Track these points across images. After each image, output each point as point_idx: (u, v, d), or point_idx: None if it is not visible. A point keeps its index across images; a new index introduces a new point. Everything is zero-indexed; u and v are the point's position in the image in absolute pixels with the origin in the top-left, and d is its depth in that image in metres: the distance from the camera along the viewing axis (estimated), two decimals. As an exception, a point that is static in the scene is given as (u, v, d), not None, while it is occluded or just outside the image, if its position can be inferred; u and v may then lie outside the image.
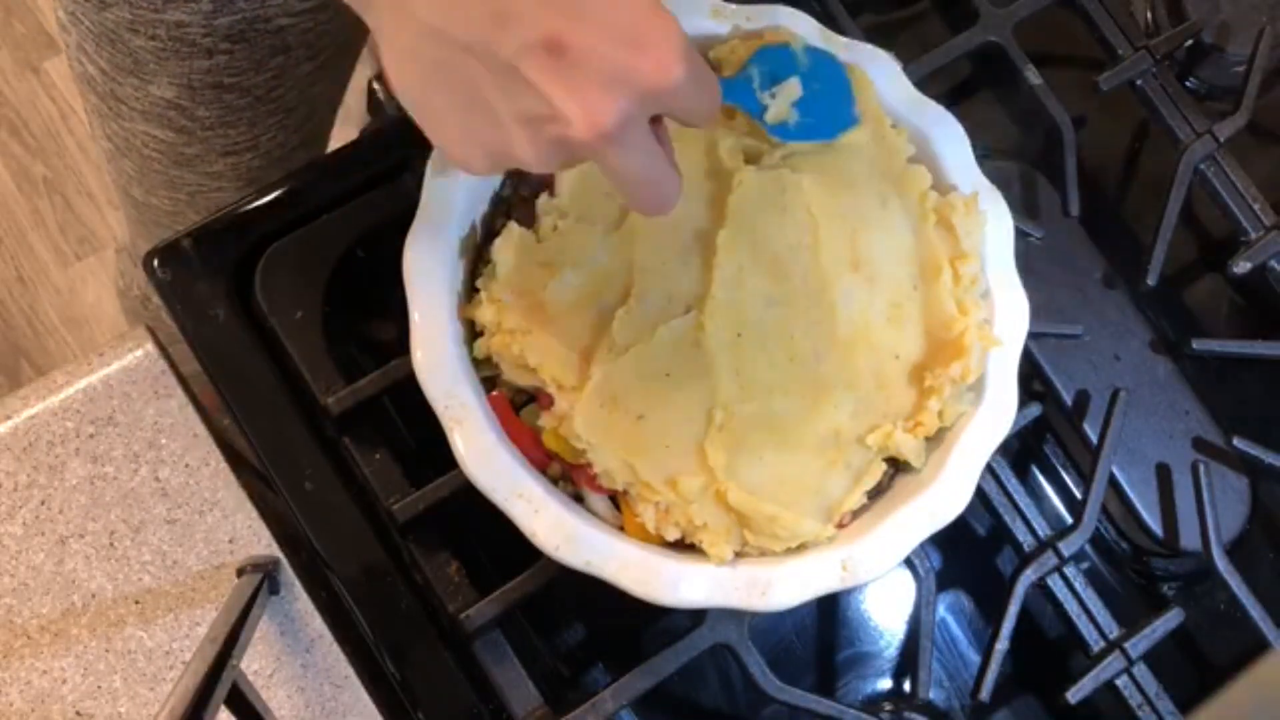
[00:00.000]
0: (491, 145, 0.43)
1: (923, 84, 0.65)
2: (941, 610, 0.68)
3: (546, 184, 0.59)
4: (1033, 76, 0.72)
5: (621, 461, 0.56)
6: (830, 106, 0.60)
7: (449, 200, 0.58)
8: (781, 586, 0.56)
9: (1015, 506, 0.65)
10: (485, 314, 0.57)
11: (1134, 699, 0.63)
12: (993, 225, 0.63)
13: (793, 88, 0.58)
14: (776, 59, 0.59)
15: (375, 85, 0.70)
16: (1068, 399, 0.69)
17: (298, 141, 0.85)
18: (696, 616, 0.60)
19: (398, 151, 0.65)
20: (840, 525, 0.59)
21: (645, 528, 0.56)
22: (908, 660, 0.67)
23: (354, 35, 0.84)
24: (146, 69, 0.74)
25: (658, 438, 0.56)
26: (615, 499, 0.58)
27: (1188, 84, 0.78)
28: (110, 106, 0.79)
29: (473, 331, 0.58)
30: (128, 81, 0.76)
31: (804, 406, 0.58)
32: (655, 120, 0.46)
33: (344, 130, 0.94)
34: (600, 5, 0.40)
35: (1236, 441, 0.68)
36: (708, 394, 0.57)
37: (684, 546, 0.57)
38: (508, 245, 0.57)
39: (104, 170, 1.58)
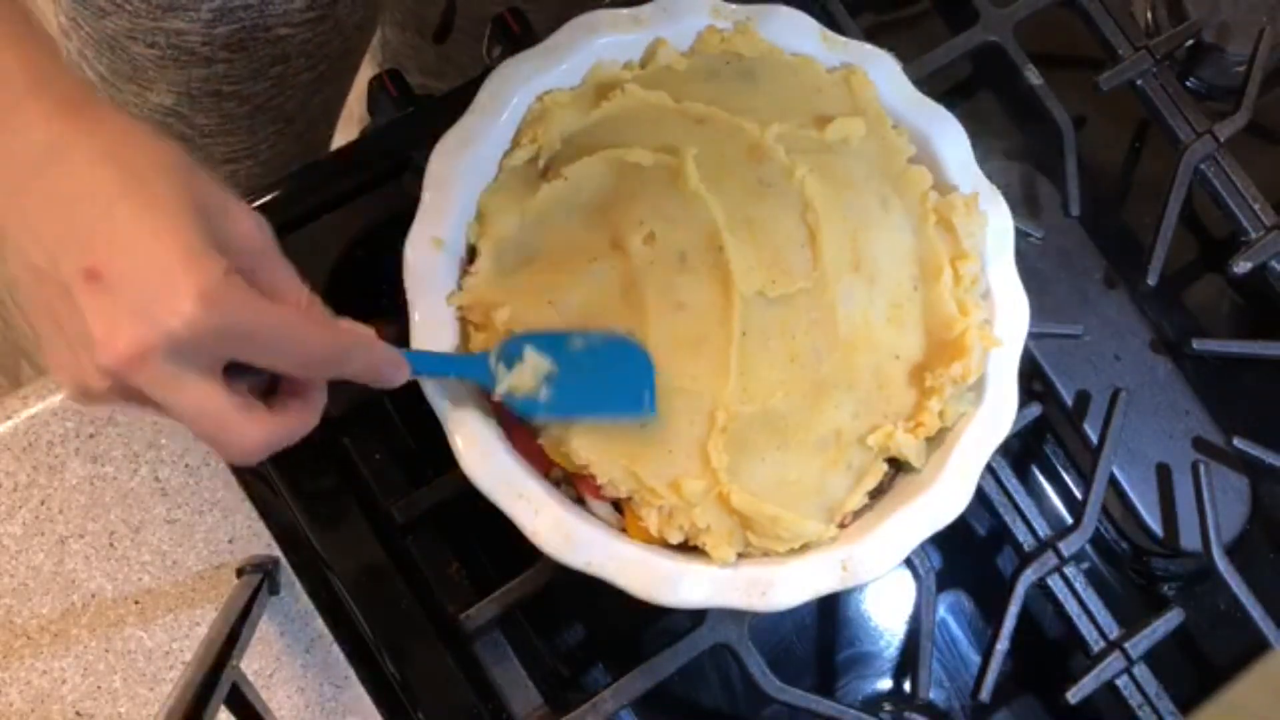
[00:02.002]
0: (72, 370, 0.44)
1: (923, 84, 0.65)
2: (941, 610, 0.68)
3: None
4: (1033, 76, 0.72)
5: (624, 470, 0.56)
6: (613, 385, 0.55)
7: (449, 200, 0.58)
8: (782, 587, 0.56)
9: (1015, 506, 0.65)
10: (469, 299, 0.57)
11: (1134, 699, 0.63)
12: (993, 225, 0.63)
13: (539, 363, 0.54)
14: (538, 341, 0.55)
15: (375, 85, 0.70)
16: (1068, 399, 0.69)
17: (297, 150, 0.85)
18: (696, 616, 0.60)
19: (398, 151, 0.65)
20: (842, 525, 0.59)
21: (648, 530, 0.56)
22: (908, 660, 0.67)
23: (354, 48, 0.84)
24: (146, 76, 0.74)
25: (660, 442, 0.56)
26: (618, 503, 0.58)
27: (1188, 84, 0.78)
28: None
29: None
30: (127, 88, 0.76)
31: (805, 407, 0.58)
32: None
33: (344, 130, 0.94)
34: (144, 244, 0.42)
35: (1236, 441, 0.68)
36: (710, 395, 0.57)
37: (685, 547, 0.57)
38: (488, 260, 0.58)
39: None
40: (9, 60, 0.43)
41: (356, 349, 0.48)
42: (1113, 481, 0.67)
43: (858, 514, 0.59)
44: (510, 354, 0.54)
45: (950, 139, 0.64)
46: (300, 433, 0.48)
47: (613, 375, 0.56)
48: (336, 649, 0.62)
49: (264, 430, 0.46)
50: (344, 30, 0.79)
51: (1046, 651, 0.69)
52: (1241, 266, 0.71)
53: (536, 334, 0.55)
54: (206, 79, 0.74)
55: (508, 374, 0.54)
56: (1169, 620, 0.64)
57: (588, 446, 0.55)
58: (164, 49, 0.71)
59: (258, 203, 0.65)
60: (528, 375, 0.54)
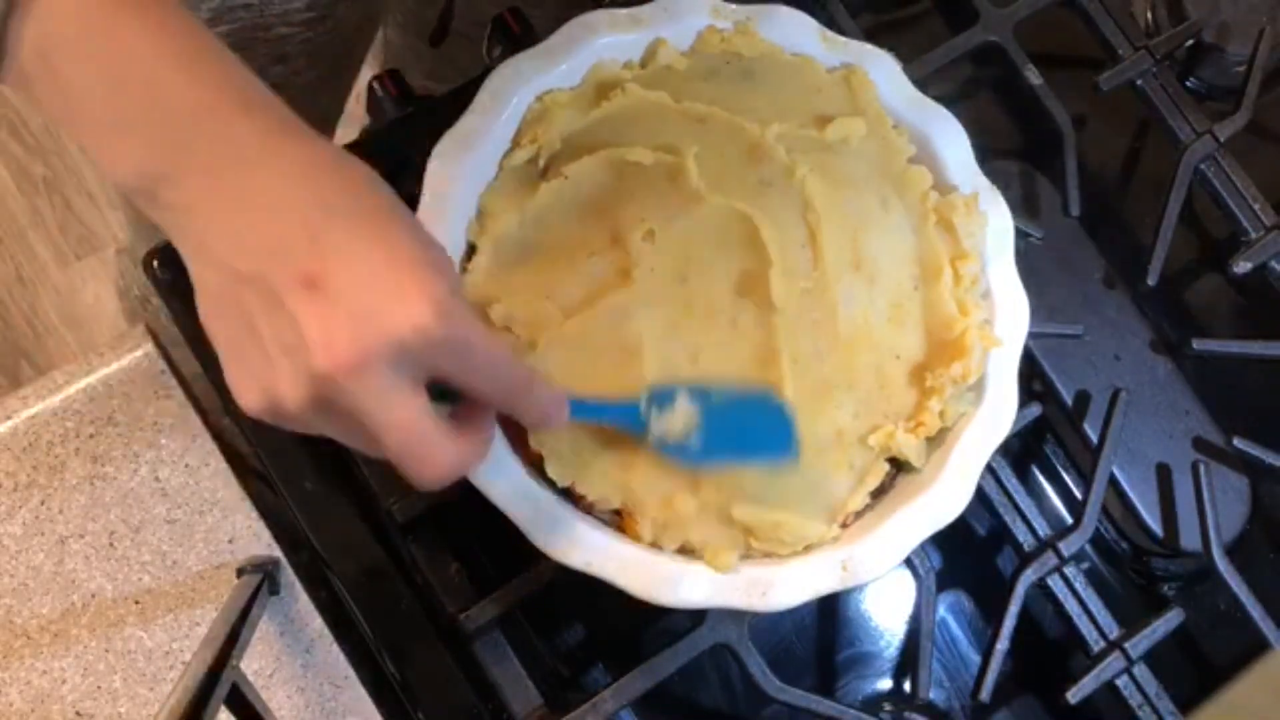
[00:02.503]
0: (262, 381, 0.44)
1: (923, 84, 0.65)
2: (941, 610, 0.68)
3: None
4: (1033, 76, 0.72)
5: (614, 484, 0.56)
6: (754, 432, 0.56)
7: (449, 199, 0.58)
8: (782, 587, 0.56)
9: (1015, 506, 0.65)
10: (465, 294, 0.57)
11: (1134, 699, 0.63)
12: (993, 225, 0.63)
13: (686, 411, 0.55)
14: (684, 391, 0.55)
15: (375, 86, 0.69)
16: (1068, 399, 0.69)
17: None
18: (696, 616, 0.60)
19: (398, 151, 0.65)
20: (843, 525, 0.59)
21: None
22: (908, 660, 0.67)
23: (354, 49, 0.84)
24: None
25: (653, 457, 0.56)
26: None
27: (1188, 84, 0.78)
28: None
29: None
30: None
31: (806, 407, 0.58)
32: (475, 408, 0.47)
33: (344, 130, 0.94)
34: (368, 253, 0.42)
35: (1236, 441, 0.68)
36: None
37: (685, 548, 0.57)
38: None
39: (104, 171, 1.58)
40: (216, 73, 0.43)
41: (537, 384, 0.48)
42: (1113, 481, 0.67)
43: (858, 514, 0.59)
44: (662, 400, 0.55)
45: (950, 139, 0.64)
46: (477, 462, 0.48)
47: (756, 422, 0.57)
48: (336, 649, 0.62)
49: (459, 454, 0.45)
50: (344, 31, 0.79)
51: (1046, 651, 0.69)
52: (1241, 266, 0.71)
53: (679, 387, 0.56)
54: None
55: (659, 419, 0.54)
56: (1169, 620, 0.64)
57: (570, 467, 0.55)
58: None
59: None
60: (679, 422, 0.55)
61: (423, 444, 0.44)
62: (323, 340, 0.41)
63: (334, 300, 0.41)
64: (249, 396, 0.44)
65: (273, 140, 0.43)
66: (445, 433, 0.44)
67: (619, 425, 0.55)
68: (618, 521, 0.57)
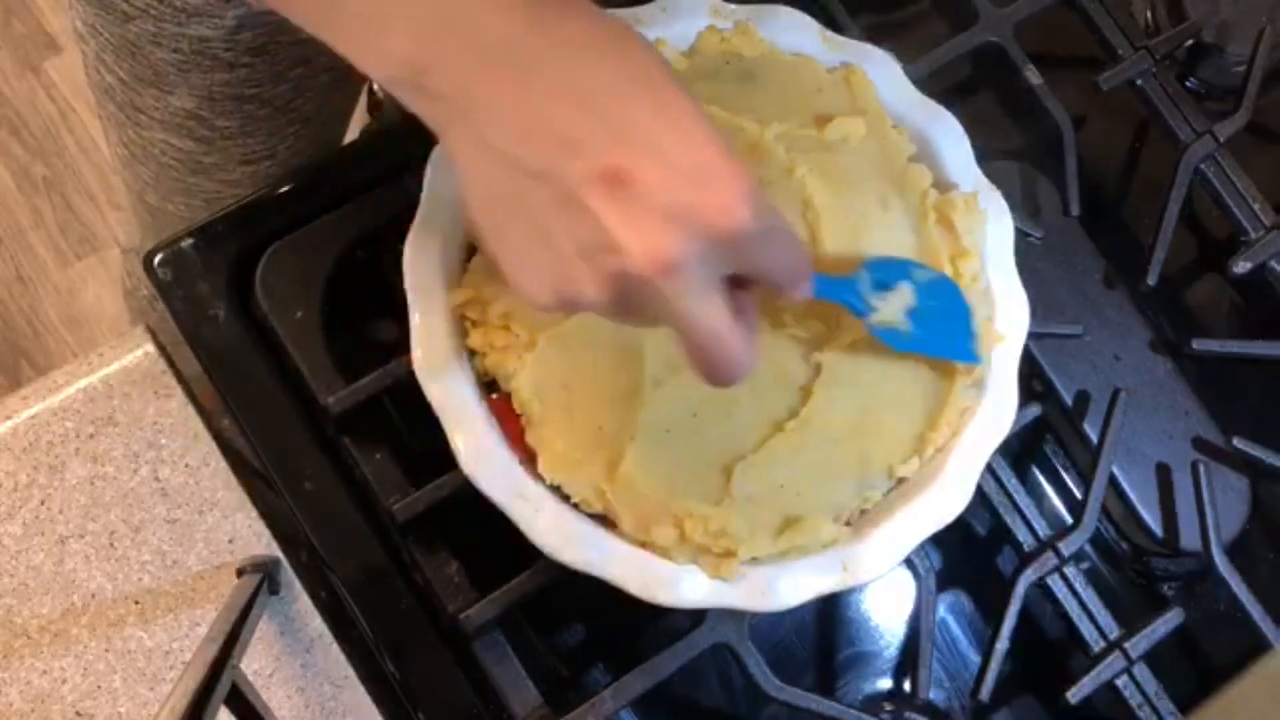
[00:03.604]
0: (556, 280, 0.42)
1: (923, 84, 0.65)
2: (941, 610, 0.68)
3: None
4: (1033, 76, 0.72)
5: (596, 490, 0.56)
6: (946, 328, 0.56)
7: (449, 200, 0.58)
8: (781, 586, 0.56)
9: (1015, 506, 0.65)
10: (466, 294, 0.57)
11: (1134, 699, 0.63)
12: (993, 224, 0.63)
13: (905, 294, 0.55)
14: (890, 269, 0.56)
15: (375, 86, 0.70)
16: (1068, 399, 0.69)
17: (313, 151, 0.85)
18: (696, 616, 0.60)
19: (398, 151, 0.65)
20: (846, 524, 0.59)
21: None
22: (908, 660, 0.67)
23: None
24: (167, 80, 0.74)
25: (634, 464, 0.56)
26: None
27: (1188, 84, 0.78)
28: (129, 116, 0.79)
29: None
30: (148, 92, 0.75)
31: (810, 406, 0.58)
32: (743, 287, 0.45)
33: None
34: (671, 143, 0.40)
35: (1236, 441, 0.68)
36: (728, 438, 0.56)
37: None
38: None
39: (110, 173, 1.58)
40: None
41: (807, 258, 0.46)
42: (1113, 481, 0.67)
43: (859, 514, 0.59)
44: (880, 281, 0.54)
45: (950, 139, 0.64)
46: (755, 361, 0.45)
47: (949, 316, 0.57)
48: (336, 649, 0.62)
49: (752, 351, 0.44)
50: None
51: (1046, 651, 0.69)
52: (1241, 266, 0.71)
53: (890, 260, 0.56)
54: (229, 83, 0.74)
55: (878, 301, 0.54)
56: (1169, 620, 0.64)
57: (561, 466, 0.55)
58: (187, 54, 0.71)
59: (258, 203, 0.65)
60: (897, 306, 0.54)
61: (727, 345, 0.43)
62: (637, 242, 0.39)
63: (644, 198, 0.39)
64: (540, 294, 0.42)
65: (550, 16, 0.40)
66: (744, 333, 0.43)
67: (840, 301, 0.54)
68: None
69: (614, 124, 0.40)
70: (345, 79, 0.82)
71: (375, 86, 0.75)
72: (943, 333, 0.57)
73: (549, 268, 0.42)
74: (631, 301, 0.41)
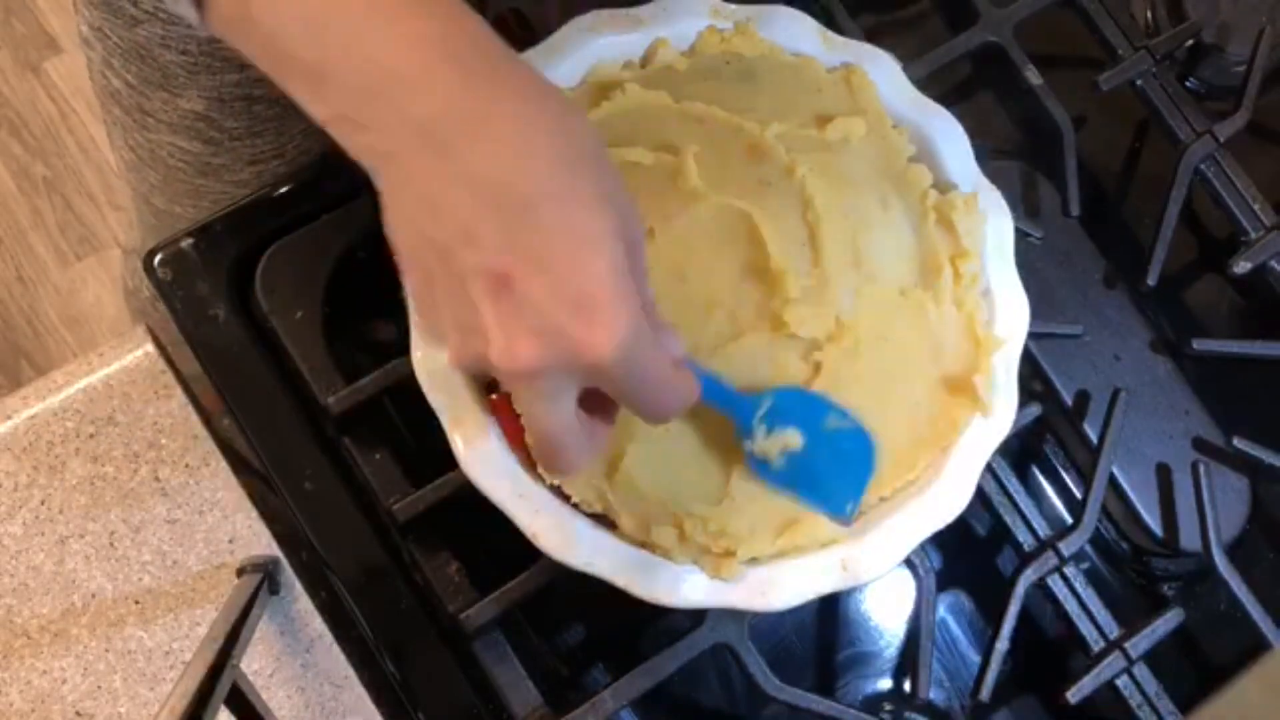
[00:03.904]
0: (435, 327, 0.45)
1: (923, 84, 0.65)
2: (941, 610, 0.68)
3: None
4: (1033, 76, 0.72)
5: (596, 490, 0.56)
6: (827, 480, 0.56)
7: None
8: (781, 586, 0.56)
9: (1015, 506, 0.65)
10: None
11: (1134, 699, 0.63)
12: (993, 225, 0.63)
13: (791, 438, 0.55)
14: (801, 405, 0.55)
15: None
16: (1068, 399, 0.69)
17: (320, 150, 0.85)
18: (696, 616, 0.60)
19: (398, 151, 0.65)
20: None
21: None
22: (908, 660, 0.67)
23: None
24: (176, 83, 0.73)
25: (632, 465, 0.56)
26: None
27: (1188, 84, 0.78)
28: (136, 119, 0.78)
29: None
30: (156, 95, 0.75)
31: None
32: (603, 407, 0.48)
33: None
34: (564, 265, 0.41)
35: (1236, 441, 0.68)
36: (728, 438, 0.56)
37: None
38: None
39: (110, 174, 1.58)
40: (424, 27, 0.41)
41: (686, 395, 0.48)
42: (1113, 481, 0.67)
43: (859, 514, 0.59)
44: (781, 413, 0.55)
45: (950, 139, 0.64)
46: (598, 456, 0.49)
47: (841, 469, 0.56)
48: (336, 649, 0.62)
49: (590, 454, 0.47)
50: None
51: (1046, 651, 0.69)
52: (1241, 266, 0.71)
53: (805, 395, 0.56)
54: (238, 84, 0.74)
55: (765, 436, 0.54)
56: (1169, 620, 0.64)
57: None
58: (196, 56, 0.71)
59: (258, 203, 0.65)
60: (776, 446, 0.55)
61: (564, 448, 0.46)
62: (501, 343, 0.42)
63: (520, 307, 0.41)
64: (423, 323, 0.47)
65: (481, 106, 0.41)
66: (584, 436, 0.46)
67: (727, 414, 0.55)
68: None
69: (514, 231, 0.41)
70: None
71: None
72: (820, 484, 0.56)
73: (433, 314, 0.45)
74: (489, 376, 0.45)
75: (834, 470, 0.56)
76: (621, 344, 0.41)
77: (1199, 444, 0.70)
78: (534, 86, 0.43)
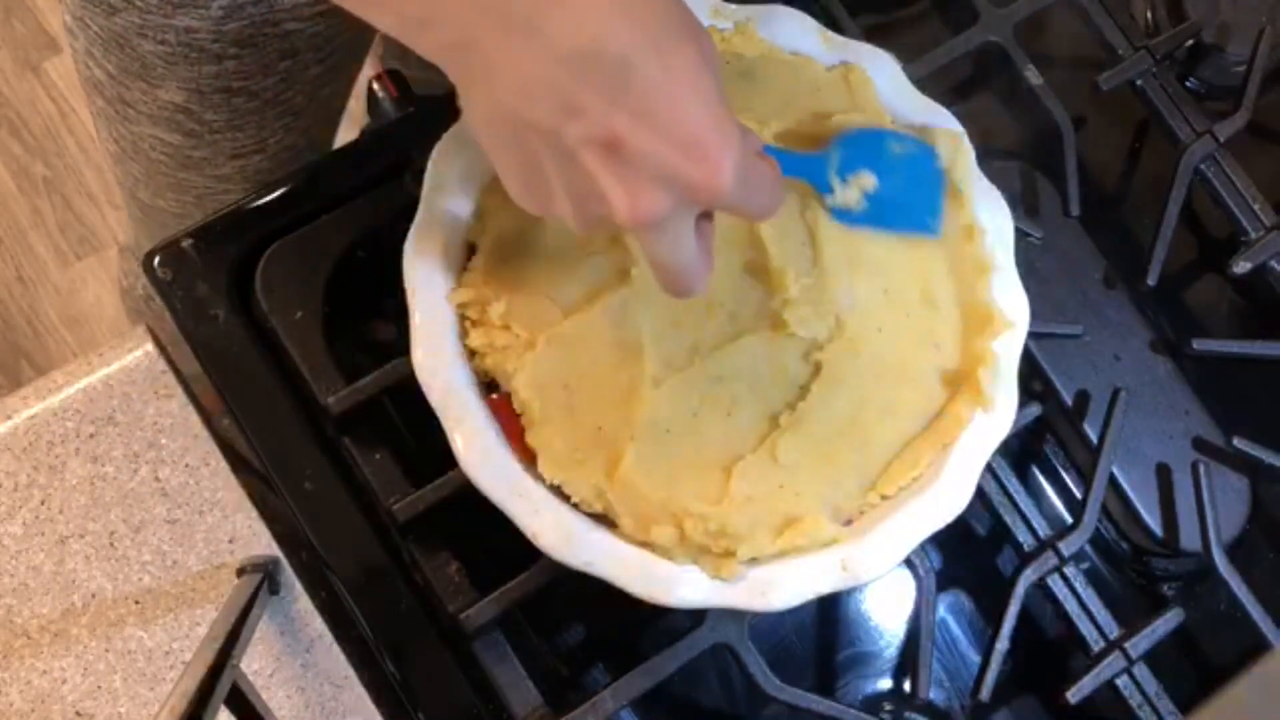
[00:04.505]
0: (544, 205, 0.46)
1: (923, 84, 0.65)
2: (941, 610, 0.68)
3: None
4: (1033, 76, 0.72)
5: (596, 490, 0.56)
6: (908, 205, 0.59)
7: (449, 199, 0.58)
8: (781, 586, 0.56)
9: (1015, 506, 0.65)
10: (466, 294, 0.57)
11: (1134, 699, 0.63)
12: (993, 224, 0.63)
13: (866, 180, 0.57)
14: (864, 144, 0.58)
15: (374, 86, 0.70)
16: (1068, 399, 0.69)
17: (305, 144, 0.85)
18: (696, 616, 0.60)
19: (398, 151, 0.65)
20: (846, 523, 0.59)
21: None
22: (908, 660, 0.67)
23: (361, 38, 0.84)
24: (155, 73, 0.74)
25: (634, 465, 0.56)
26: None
27: (1188, 84, 0.78)
28: (118, 110, 0.79)
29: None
30: (136, 86, 0.75)
31: (809, 406, 0.58)
32: (708, 216, 0.49)
33: (344, 131, 0.94)
34: (664, 110, 0.42)
35: (1236, 441, 0.68)
36: (728, 437, 0.57)
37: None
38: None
39: (107, 172, 1.58)
40: None
41: (782, 193, 0.49)
42: (1113, 481, 0.67)
43: (860, 513, 0.59)
44: (849, 159, 0.57)
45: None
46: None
47: (916, 190, 0.59)
48: (336, 649, 0.62)
49: (707, 274, 0.48)
50: (352, 21, 0.79)
51: (1046, 651, 0.69)
52: (1241, 266, 0.71)
53: (865, 133, 0.58)
54: (216, 75, 0.74)
55: (842, 186, 0.57)
56: (1169, 620, 0.64)
57: (561, 466, 0.55)
58: (174, 46, 0.71)
59: (259, 201, 0.65)
60: (855, 192, 0.57)
61: (689, 275, 0.48)
62: (623, 200, 0.43)
63: (636, 163, 0.42)
64: (530, 208, 0.47)
65: None
66: (704, 265, 0.48)
67: (804, 179, 0.57)
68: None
69: (615, 92, 0.41)
70: (334, 71, 0.82)
71: (374, 85, 0.75)
72: (902, 210, 0.59)
73: (540, 193, 0.46)
74: (608, 232, 0.46)
75: (911, 193, 0.59)
76: (735, 171, 0.43)
77: (1199, 444, 0.70)
78: None
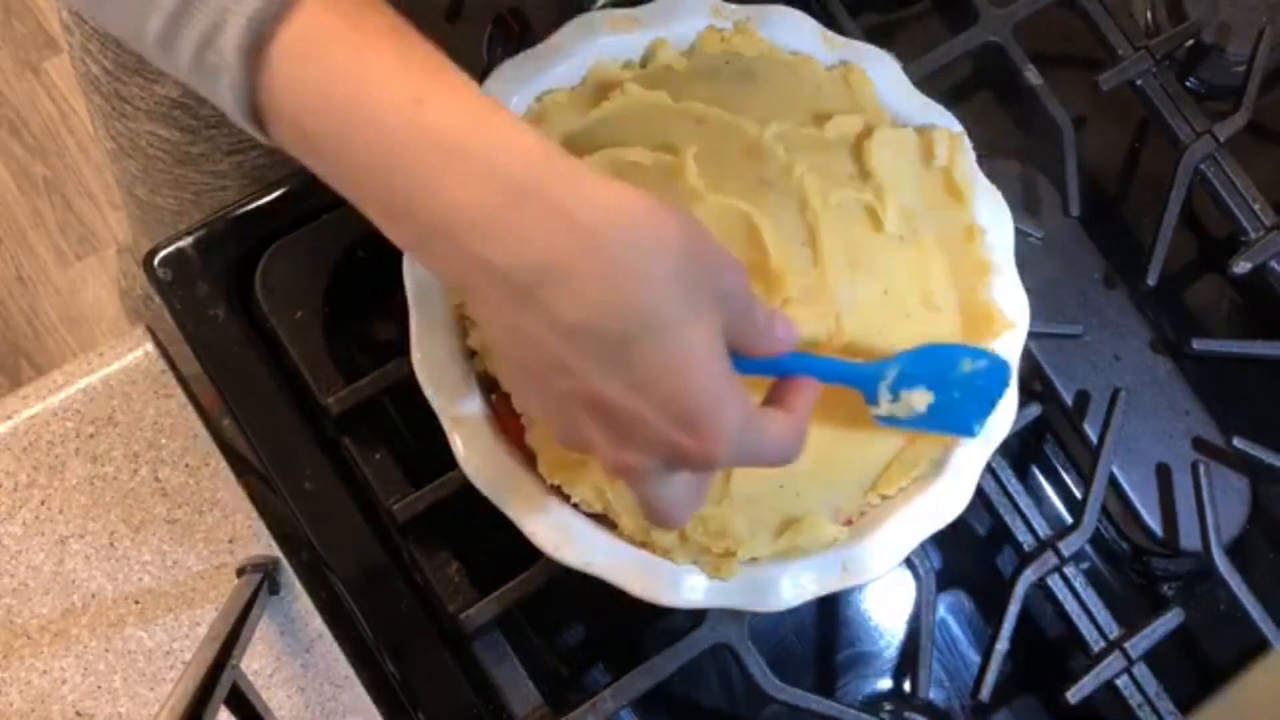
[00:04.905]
0: (529, 409, 0.48)
1: (923, 84, 0.65)
2: (941, 610, 0.68)
3: None
4: (1033, 76, 0.72)
5: (596, 490, 0.55)
6: (958, 414, 0.57)
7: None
8: (781, 586, 0.56)
9: (1015, 506, 0.65)
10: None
11: (1134, 699, 0.63)
12: (993, 224, 0.63)
13: (920, 399, 0.55)
14: (932, 361, 0.56)
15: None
16: (1068, 399, 0.69)
17: None
18: (696, 616, 0.60)
19: (398, 151, 0.65)
20: (846, 523, 0.59)
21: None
22: (908, 660, 0.67)
23: None
24: (151, 69, 0.74)
25: None
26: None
27: (1188, 84, 0.78)
28: (114, 106, 0.79)
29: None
30: (132, 81, 0.75)
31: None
32: None
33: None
34: (662, 386, 0.41)
35: (1236, 441, 0.68)
36: None
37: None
38: None
39: (106, 170, 1.58)
40: (483, 165, 0.40)
41: (799, 445, 0.47)
42: (1113, 481, 0.67)
43: (860, 513, 0.59)
44: (899, 384, 0.55)
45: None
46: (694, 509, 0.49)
47: (972, 401, 0.57)
48: (336, 649, 0.62)
49: (690, 513, 0.47)
50: None
51: (1046, 651, 0.69)
52: (1241, 266, 0.71)
53: (938, 350, 0.56)
54: None
55: (892, 402, 0.55)
56: (1169, 620, 0.64)
57: (561, 467, 0.55)
58: None
59: (259, 201, 0.65)
60: (905, 409, 0.55)
61: (669, 518, 0.46)
62: (607, 453, 0.42)
63: (624, 426, 0.41)
64: (515, 400, 0.49)
65: (556, 255, 0.39)
66: (692, 495, 0.46)
67: (851, 386, 0.55)
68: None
69: (609, 366, 0.40)
70: None
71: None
72: (948, 419, 0.57)
73: (526, 400, 0.48)
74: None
75: (964, 405, 0.57)
76: (729, 445, 0.42)
77: (1199, 444, 0.70)
78: (612, 203, 0.40)
